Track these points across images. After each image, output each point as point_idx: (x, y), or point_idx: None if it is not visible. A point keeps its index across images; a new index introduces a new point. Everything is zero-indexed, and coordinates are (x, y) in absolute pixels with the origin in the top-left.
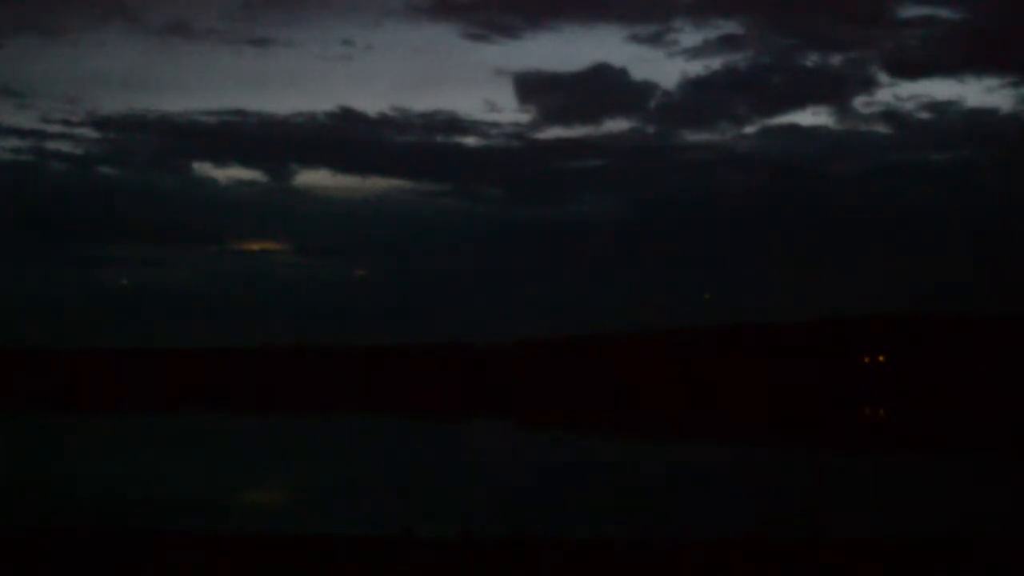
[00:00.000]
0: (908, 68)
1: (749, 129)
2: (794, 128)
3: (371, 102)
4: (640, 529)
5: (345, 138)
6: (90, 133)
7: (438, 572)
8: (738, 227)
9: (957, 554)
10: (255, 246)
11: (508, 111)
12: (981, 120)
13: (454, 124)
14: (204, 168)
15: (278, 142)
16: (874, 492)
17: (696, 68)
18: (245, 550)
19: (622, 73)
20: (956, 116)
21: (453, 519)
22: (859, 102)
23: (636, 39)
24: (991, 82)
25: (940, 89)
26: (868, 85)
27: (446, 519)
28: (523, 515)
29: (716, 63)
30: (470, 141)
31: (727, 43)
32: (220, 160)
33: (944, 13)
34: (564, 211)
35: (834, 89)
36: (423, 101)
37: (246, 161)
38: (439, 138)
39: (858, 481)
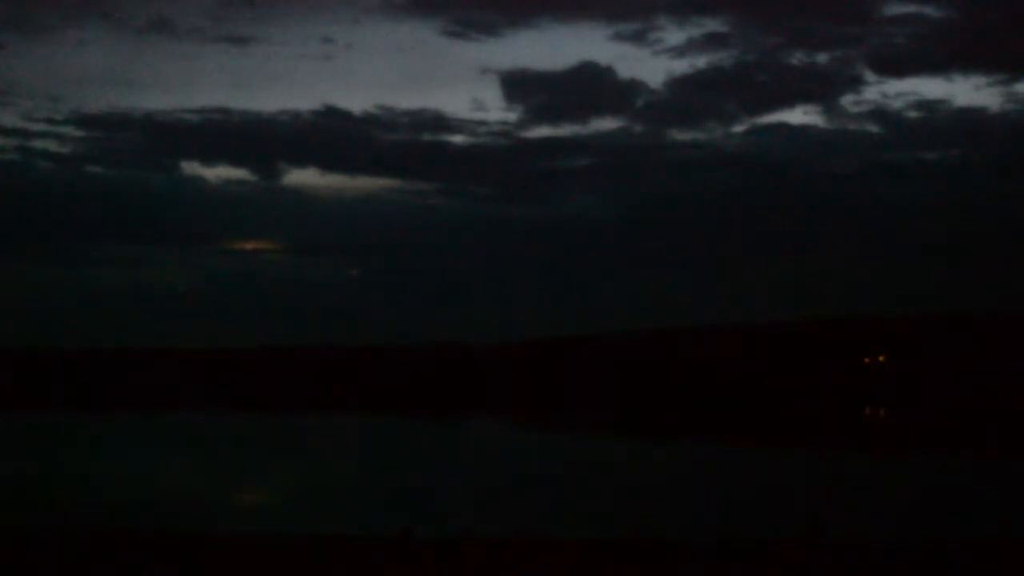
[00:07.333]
0: (895, 66)
1: (738, 128)
2: (783, 127)
3: (355, 100)
4: (640, 529)
5: (332, 137)
6: (74, 131)
7: (438, 572)
8: (728, 226)
9: (957, 554)
10: (246, 245)
11: (495, 110)
12: (970, 118)
13: (441, 123)
14: (193, 167)
15: (265, 141)
16: (874, 492)
17: (682, 67)
18: (245, 550)
19: (608, 72)
20: (945, 114)
21: (453, 519)
22: (847, 100)
23: (620, 37)
24: (979, 80)
25: (928, 87)
26: (855, 83)
27: (446, 519)
28: (523, 515)
29: (701, 61)
30: (457, 140)
31: (711, 41)
32: (208, 159)
33: (930, 11)
34: (553, 210)
35: (821, 87)
36: (407, 99)
37: (234, 160)
38: (426, 136)
39: (858, 481)
